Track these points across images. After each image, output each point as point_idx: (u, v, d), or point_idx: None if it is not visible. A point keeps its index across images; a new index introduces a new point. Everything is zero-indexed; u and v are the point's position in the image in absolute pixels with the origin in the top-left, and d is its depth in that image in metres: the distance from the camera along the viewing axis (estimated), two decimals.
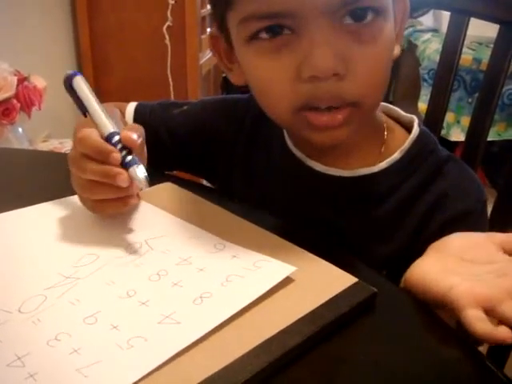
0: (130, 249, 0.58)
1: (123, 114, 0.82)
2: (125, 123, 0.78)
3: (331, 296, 0.50)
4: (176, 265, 0.55)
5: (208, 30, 2.68)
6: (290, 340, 0.45)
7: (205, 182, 0.94)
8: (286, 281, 0.52)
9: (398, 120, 0.76)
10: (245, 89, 0.70)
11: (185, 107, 0.84)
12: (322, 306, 0.49)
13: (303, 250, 0.57)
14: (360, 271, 0.55)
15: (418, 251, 0.65)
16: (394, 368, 0.46)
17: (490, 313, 0.46)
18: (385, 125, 0.73)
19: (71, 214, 0.66)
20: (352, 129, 0.64)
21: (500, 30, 0.90)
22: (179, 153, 0.84)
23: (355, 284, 0.52)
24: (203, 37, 2.52)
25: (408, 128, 0.74)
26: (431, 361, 0.47)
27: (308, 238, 0.62)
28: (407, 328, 0.51)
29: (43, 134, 2.11)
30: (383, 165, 0.70)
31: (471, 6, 0.93)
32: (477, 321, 0.45)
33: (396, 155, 0.71)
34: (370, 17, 0.58)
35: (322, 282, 0.53)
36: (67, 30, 2.38)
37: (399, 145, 0.71)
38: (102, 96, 2.34)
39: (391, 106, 0.77)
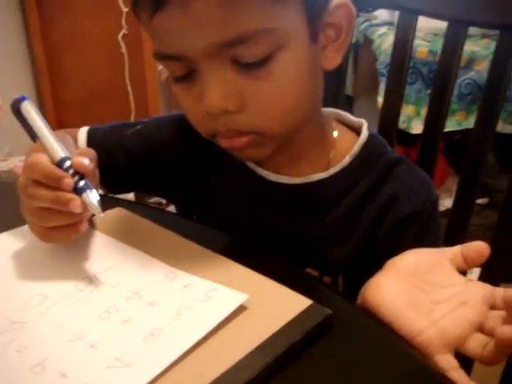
0: (80, 285, 0.56)
1: (75, 139, 0.81)
2: (77, 149, 0.77)
3: (284, 322, 0.49)
4: (126, 299, 0.53)
5: None
6: (241, 375, 0.44)
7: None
8: (238, 309, 0.51)
9: (348, 124, 0.76)
10: None
11: (138, 126, 0.84)
12: (275, 334, 0.47)
13: (256, 273, 0.56)
14: (315, 289, 0.54)
15: (372, 253, 0.69)
16: None
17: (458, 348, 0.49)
18: (334, 131, 0.74)
19: (18, 248, 0.64)
20: (262, 150, 0.66)
21: (449, 26, 0.91)
22: (136, 173, 0.82)
23: (309, 307, 0.51)
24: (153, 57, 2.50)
25: (358, 132, 0.74)
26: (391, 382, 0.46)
27: (262, 258, 0.61)
28: (364, 350, 0.50)
29: (2, 152, 2.08)
30: (333, 170, 0.71)
31: (419, 5, 0.93)
32: (451, 369, 0.47)
33: (346, 160, 0.72)
34: (260, 62, 0.59)
35: (276, 307, 0.51)
36: (21, 43, 2.35)
37: (349, 149, 0.72)
38: (62, 108, 2.31)
39: (340, 111, 0.78)
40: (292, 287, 0.54)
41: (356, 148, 0.72)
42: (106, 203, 0.70)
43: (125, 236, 0.64)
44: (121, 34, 2.32)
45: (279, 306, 0.51)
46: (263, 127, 0.63)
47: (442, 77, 0.93)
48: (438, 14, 0.93)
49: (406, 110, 1.95)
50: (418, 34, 1.97)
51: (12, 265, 0.61)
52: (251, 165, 0.74)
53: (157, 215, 0.70)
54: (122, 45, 2.32)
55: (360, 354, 0.49)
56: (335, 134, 0.74)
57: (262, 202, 0.74)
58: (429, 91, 1.96)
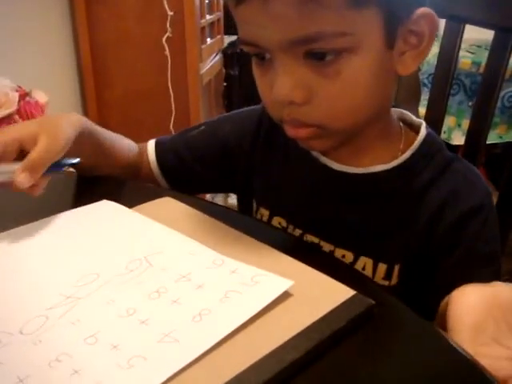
0: (130, 266, 0.58)
1: (144, 150, 0.92)
2: (130, 157, 0.90)
3: (329, 310, 0.50)
4: (175, 281, 0.55)
5: (208, 40, 2.69)
6: (286, 356, 0.45)
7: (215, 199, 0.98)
8: (284, 295, 0.52)
9: (410, 124, 0.79)
10: (245, 98, 0.74)
11: (202, 127, 0.90)
12: (319, 320, 0.49)
13: (301, 263, 0.58)
14: (358, 283, 0.55)
15: (432, 245, 0.72)
16: (391, 382, 0.46)
17: None
18: (401, 129, 0.77)
19: (69, 230, 0.66)
20: (324, 143, 0.70)
21: (495, 35, 0.91)
22: (204, 172, 0.88)
23: (353, 297, 0.52)
24: (203, 47, 2.52)
25: (417, 131, 0.78)
26: (430, 374, 0.47)
27: (307, 251, 0.63)
28: (406, 341, 0.51)
29: None
30: (395, 162, 0.74)
31: (466, 13, 0.93)
32: None
33: (407, 154, 0.75)
34: (330, 57, 0.62)
35: (320, 295, 0.53)
36: (68, 43, 2.40)
37: (410, 146, 0.75)
38: (104, 108, 2.35)
39: (403, 110, 0.81)
40: (336, 279, 0.55)
41: (416, 143, 0.75)
42: (155, 193, 0.74)
43: (172, 223, 0.66)
44: (165, 37, 2.35)
45: (324, 294, 0.53)
46: (326, 122, 0.66)
47: (486, 88, 0.93)
48: (485, 23, 0.94)
49: (447, 121, 1.95)
50: (461, 45, 1.96)
51: (64, 245, 0.63)
52: (314, 153, 0.78)
53: (205, 206, 0.72)
54: (166, 48, 2.35)
55: (401, 344, 0.51)
56: (401, 132, 0.77)
57: (324, 189, 0.78)
58: (470, 103, 1.95)
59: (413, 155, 0.74)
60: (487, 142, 2.03)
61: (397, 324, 0.53)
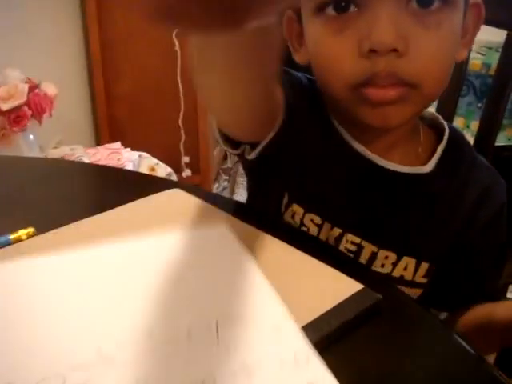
0: (194, 330, 0.43)
1: None
2: None
3: (336, 303, 0.50)
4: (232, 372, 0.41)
5: None
6: None
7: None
8: (292, 287, 0.52)
9: (420, 116, 0.77)
10: None
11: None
12: (327, 312, 0.49)
13: (310, 257, 0.58)
14: (367, 278, 0.55)
15: (469, 241, 0.72)
16: (398, 377, 0.46)
17: None
18: (420, 126, 0.75)
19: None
20: (405, 110, 0.64)
21: (508, 36, 0.90)
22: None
23: (361, 291, 0.52)
24: None
25: (430, 125, 0.76)
26: (437, 369, 0.47)
27: (316, 245, 0.63)
28: (413, 336, 0.51)
29: (54, 140, 2.13)
30: (434, 161, 0.72)
31: None
32: None
33: (439, 151, 0.73)
34: (436, 4, 0.60)
35: (328, 288, 0.53)
36: (78, 37, 2.41)
37: (432, 141, 0.74)
38: (113, 102, 2.36)
39: None
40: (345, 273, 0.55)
41: (445, 138, 0.73)
42: (162, 185, 0.73)
43: (182, 217, 0.65)
44: (175, 32, 2.36)
45: (332, 288, 0.53)
46: (421, 78, 0.62)
47: (496, 89, 0.93)
48: (497, 23, 0.93)
49: (456, 122, 1.94)
50: (473, 46, 1.96)
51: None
52: (355, 144, 0.72)
53: (213, 199, 0.71)
54: (176, 43, 2.36)
55: (408, 339, 0.51)
56: (420, 127, 0.75)
57: (365, 184, 0.73)
58: (480, 104, 1.95)
59: (444, 152, 0.73)
60: (496, 144, 2.02)
61: (404, 319, 0.53)
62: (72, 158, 1.85)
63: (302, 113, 0.73)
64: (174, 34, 2.36)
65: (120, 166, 1.91)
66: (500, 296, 0.78)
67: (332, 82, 0.65)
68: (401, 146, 0.73)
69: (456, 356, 0.49)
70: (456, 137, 0.75)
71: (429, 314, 0.53)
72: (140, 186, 0.75)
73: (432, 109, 2.02)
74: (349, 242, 0.73)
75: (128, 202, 0.68)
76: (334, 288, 0.53)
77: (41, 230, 0.61)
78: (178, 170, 2.45)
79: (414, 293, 0.74)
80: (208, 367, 0.40)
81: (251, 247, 0.58)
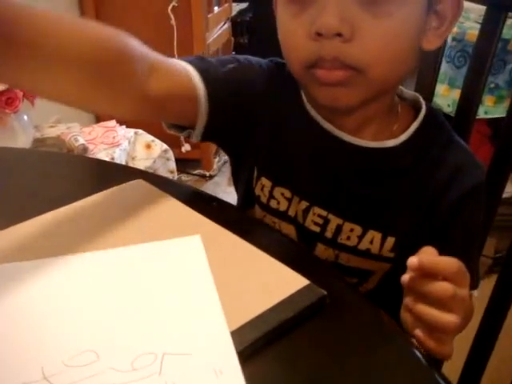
0: (137, 362, 0.44)
1: (179, 66, 0.71)
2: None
3: (278, 300, 0.50)
4: None
5: (215, 8, 2.67)
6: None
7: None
8: (235, 282, 0.53)
9: (400, 95, 0.78)
10: None
11: (231, 66, 0.75)
12: (268, 310, 0.49)
13: (258, 250, 0.58)
14: (315, 270, 0.56)
15: (436, 218, 0.72)
16: (338, 375, 0.46)
17: None
18: (397, 100, 0.76)
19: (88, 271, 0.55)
20: (353, 93, 0.66)
21: (487, 11, 0.89)
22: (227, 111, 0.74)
23: (305, 287, 0.52)
24: (210, 16, 2.50)
25: (411, 104, 0.77)
26: (376, 366, 0.47)
27: (269, 236, 0.63)
28: (356, 333, 0.51)
29: (52, 119, 2.13)
30: (403, 137, 0.73)
31: None
32: None
33: (412, 128, 0.73)
34: None
35: (272, 284, 0.53)
36: (73, 12, 2.39)
37: (409, 119, 0.74)
38: None
39: None
40: (293, 266, 0.55)
41: (420, 116, 0.74)
42: (126, 175, 0.73)
43: (144, 209, 0.65)
44: (170, 7, 2.34)
45: (275, 282, 0.53)
46: (366, 64, 0.63)
47: (476, 64, 0.91)
48: None
49: (452, 94, 1.91)
50: (470, 15, 1.92)
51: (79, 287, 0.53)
52: (322, 121, 0.74)
53: (177, 189, 0.72)
54: (172, 17, 2.34)
55: (351, 336, 0.51)
56: (398, 105, 0.76)
57: (332, 160, 0.75)
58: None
59: (418, 129, 0.73)
60: (495, 116, 2.00)
61: (348, 317, 0.53)
62: (68, 137, 1.85)
63: (269, 95, 0.76)
64: (169, 8, 2.34)
65: (115, 144, 1.91)
66: (477, 281, 0.76)
67: (290, 60, 0.69)
68: (374, 124, 0.74)
69: (400, 356, 0.49)
70: (433, 117, 0.75)
71: (377, 310, 0.53)
72: (102, 174, 0.74)
73: (442, 84, 1.99)
74: (316, 215, 0.75)
75: (92, 192, 0.69)
76: (278, 284, 0.53)
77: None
78: (176, 144, 2.45)
79: (383, 267, 0.75)
80: None
81: (197, 233, 0.59)
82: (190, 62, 0.72)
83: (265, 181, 0.77)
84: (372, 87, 0.66)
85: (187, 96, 0.70)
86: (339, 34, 0.61)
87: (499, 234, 1.25)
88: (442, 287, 0.53)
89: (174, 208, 0.66)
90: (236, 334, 0.47)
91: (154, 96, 0.65)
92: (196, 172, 2.66)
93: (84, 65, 0.57)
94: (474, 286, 0.74)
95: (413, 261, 0.53)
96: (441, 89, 2.03)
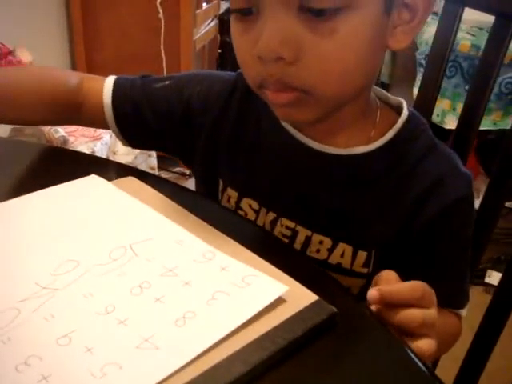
0: (114, 254, 0.54)
1: (99, 86, 0.80)
2: (59, 92, 0.79)
3: (287, 316, 0.46)
4: (160, 275, 0.51)
5: (204, 4, 2.62)
6: (234, 368, 0.42)
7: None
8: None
9: (386, 102, 0.74)
10: (239, 66, 0.67)
11: (167, 82, 0.80)
12: (275, 328, 0.45)
13: (263, 261, 0.54)
14: (325, 284, 0.52)
15: (414, 233, 0.68)
16: None
17: None
18: (378, 106, 0.72)
19: (48, 209, 0.61)
20: (306, 112, 0.63)
21: (495, 21, 0.86)
22: (160, 128, 0.80)
23: (314, 303, 0.48)
24: (198, 11, 2.46)
25: (397, 111, 0.73)
26: None
27: (275, 246, 0.60)
28: (366, 353, 0.48)
29: None
30: (377, 143, 0.69)
31: None
32: None
33: (389, 134, 0.69)
34: (329, 13, 0.56)
35: (280, 299, 0.48)
36: (58, 2, 2.33)
37: (390, 125, 0.70)
38: (94, 70, 2.29)
39: (379, 88, 0.75)
40: (301, 281, 0.51)
41: (399, 123, 0.70)
42: (116, 172, 0.70)
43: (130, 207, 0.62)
44: (159, 0, 2.29)
45: (284, 298, 0.49)
46: (313, 86, 0.60)
47: (483, 74, 0.89)
48: (484, 7, 0.89)
49: (441, 104, 1.90)
50: (462, 26, 1.90)
51: (42, 226, 0.58)
52: (291, 130, 0.71)
53: (170, 188, 0.69)
54: (160, 10, 2.29)
55: (361, 356, 0.47)
56: (378, 110, 0.72)
57: (301, 170, 0.72)
58: (467, 87, 1.91)
59: (396, 136, 0.69)
60: (482, 128, 1.99)
61: (359, 336, 0.49)
62: (47, 128, 1.80)
63: (224, 107, 0.77)
64: (158, 2, 2.30)
65: (96, 138, 1.86)
66: (463, 300, 0.72)
67: (244, 77, 0.66)
68: (347, 130, 0.70)
69: (409, 375, 0.46)
70: (414, 124, 0.71)
71: (386, 330, 0.49)
72: (92, 171, 0.70)
73: (416, 89, 1.98)
74: (284, 227, 0.72)
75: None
76: (286, 298, 0.49)
77: None
78: None
79: (356, 283, 0.71)
80: (138, 276, 0.51)
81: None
82: (117, 80, 0.80)
83: (231, 192, 0.76)
84: (325, 104, 0.63)
85: (97, 106, 0.79)
86: (281, 58, 0.57)
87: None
88: (410, 316, 0.51)
89: (165, 206, 0.63)
90: (241, 354, 0.43)
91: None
92: (176, 170, 2.62)
93: (45, 105, 0.78)
94: (461, 305, 0.72)
95: (373, 294, 0.51)
96: None
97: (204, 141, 0.78)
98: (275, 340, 0.44)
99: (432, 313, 0.53)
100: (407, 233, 0.69)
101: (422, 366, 0.46)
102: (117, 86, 0.79)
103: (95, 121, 0.81)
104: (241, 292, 0.49)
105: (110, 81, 0.80)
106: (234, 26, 0.63)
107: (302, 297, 0.49)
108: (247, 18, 0.60)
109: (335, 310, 0.48)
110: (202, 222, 0.60)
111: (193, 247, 0.55)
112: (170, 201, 0.64)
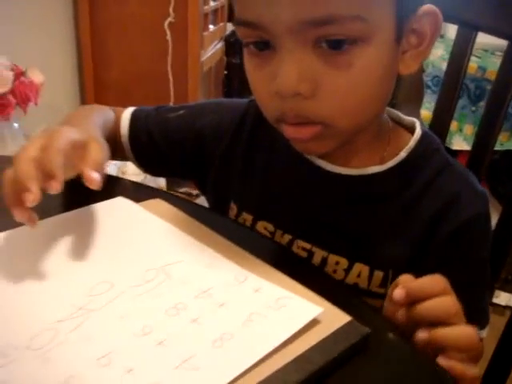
0: (147, 276, 0.55)
1: (119, 118, 0.84)
2: (110, 128, 0.80)
3: (321, 338, 0.47)
4: (195, 297, 0.52)
5: (210, 27, 2.65)
6: None
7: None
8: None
9: (399, 122, 0.76)
10: (245, 87, 0.69)
11: (181, 111, 0.84)
12: (310, 349, 0.46)
13: (294, 281, 0.55)
14: (354, 305, 0.53)
15: (431, 253, 0.68)
16: None
17: None
18: (390, 126, 0.73)
19: (81, 231, 0.62)
20: (325, 144, 0.65)
21: (509, 45, 0.87)
22: (173, 156, 0.83)
23: (348, 323, 0.49)
24: (205, 34, 2.49)
25: (410, 130, 0.74)
26: None
27: (296, 263, 0.62)
28: (400, 370, 0.49)
29: (40, 128, 2.08)
30: (391, 163, 0.70)
31: (479, 20, 0.90)
32: None
33: (402, 154, 0.70)
34: (346, 45, 0.57)
35: (313, 320, 0.49)
36: (68, 23, 2.35)
37: (403, 145, 0.71)
38: (101, 90, 2.31)
39: (392, 109, 0.76)
40: (332, 301, 0.52)
41: (411, 143, 0.71)
42: (140, 192, 0.72)
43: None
44: (167, 22, 2.31)
45: (318, 319, 0.49)
46: (332, 119, 0.61)
47: (496, 96, 0.90)
48: (498, 32, 0.91)
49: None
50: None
51: (80, 245, 0.59)
52: (310, 157, 0.73)
53: (196, 210, 0.69)
54: (168, 32, 2.31)
55: (393, 375, 0.48)
56: (390, 129, 0.73)
57: (315, 192, 0.73)
58: (474, 108, 1.92)
59: (409, 155, 0.70)
60: None
61: (392, 357, 0.50)
62: None
63: (236, 134, 0.79)
64: (166, 24, 2.32)
65: None
66: (482, 320, 0.72)
67: (261, 110, 0.67)
68: (362, 152, 0.71)
69: None
70: (427, 142, 0.72)
71: (417, 350, 0.50)
72: (122, 193, 0.71)
73: (427, 111, 2.00)
74: (300, 248, 0.72)
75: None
76: (320, 320, 0.49)
77: None
78: None
79: (374, 304, 0.70)
80: (173, 297, 0.52)
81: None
82: (134, 111, 0.85)
83: (246, 215, 0.77)
84: (344, 134, 0.65)
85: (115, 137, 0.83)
86: (299, 93, 0.58)
87: None
88: (444, 301, 0.52)
89: (192, 228, 0.64)
90: (280, 374, 0.43)
91: None
92: (182, 190, 2.63)
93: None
94: (482, 325, 0.71)
95: (398, 292, 0.51)
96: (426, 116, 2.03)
97: (217, 167, 0.80)
98: (312, 360, 0.45)
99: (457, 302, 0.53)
100: (423, 252, 0.69)
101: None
102: (133, 116, 0.84)
103: (116, 151, 0.83)
104: (276, 314, 0.50)
105: (127, 112, 0.84)
106: (249, 61, 0.63)
107: (335, 317, 0.50)
108: (262, 54, 0.60)
109: (368, 330, 0.49)
110: (232, 244, 0.61)
111: (224, 269, 0.56)
112: (198, 223, 0.65)
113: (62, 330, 0.47)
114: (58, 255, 0.57)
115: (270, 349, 0.45)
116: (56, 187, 0.53)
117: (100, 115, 0.80)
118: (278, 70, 0.58)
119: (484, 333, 0.72)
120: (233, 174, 0.79)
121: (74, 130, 0.62)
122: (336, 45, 0.57)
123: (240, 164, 0.78)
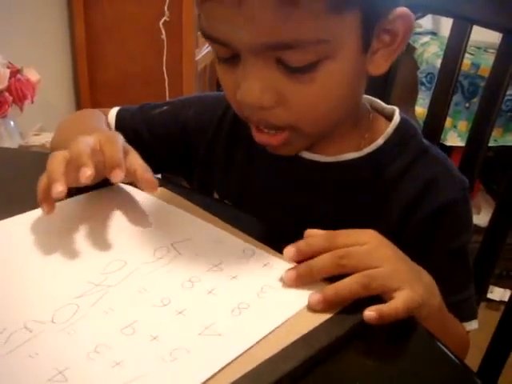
0: (157, 254, 0.56)
1: (107, 117, 0.85)
2: (108, 127, 0.82)
3: (326, 318, 0.48)
4: (207, 271, 0.54)
5: None
6: (283, 365, 0.43)
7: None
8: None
9: (380, 111, 0.76)
10: None
11: (165, 107, 0.85)
12: (316, 328, 0.47)
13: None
14: None
15: (405, 238, 0.67)
16: None
17: None
18: (371, 115, 0.74)
19: (89, 214, 0.63)
20: (294, 146, 0.68)
21: (503, 38, 0.89)
22: (160, 151, 0.84)
23: (352, 304, 0.50)
24: (199, 33, 2.49)
25: (389, 119, 0.74)
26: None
27: None
28: (402, 350, 0.51)
29: (35, 127, 2.08)
30: (367, 150, 0.71)
31: (474, 14, 0.91)
32: None
33: (379, 141, 0.71)
34: (307, 68, 0.59)
35: None
36: (63, 22, 2.36)
37: (381, 133, 0.72)
38: (96, 89, 2.31)
39: (373, 98, 0.77)
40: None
41: (389, 129, 0.71)
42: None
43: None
44: (162, 21, 2.32)
45: None
46: (298, 125, 0.63)
47: (490, 92, 0.91)
48: (493, 25, 0.92)
49: None
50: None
51: (87, 230, 0.60)
52: None
53: (194, 197, 0.69)
54: (163, 31, 2.32)
55: (398, 356, 0.50)
56: (370, 118, 0.74)
57: (291, 178, 0.74)
58: (467, 104, 1.94)
59: (386, 142, 0.71)
60: None
61: (393, 332, 0.51)
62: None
63: (217, 128, 0.81)
64: (160, 23, 2.33)
65: None
66: (464, 311, 0.70)
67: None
68: (338, 141, 0.72)
69: (452, 377, 0.48)
70: (405, 129, 0.73)
71: (417, 328, 0.51)
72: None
73: (417, 107, 2.00)
74: None
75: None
76: None
77: None
78: None
79: None
80: (186, 271, 0.53)
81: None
82: (119, 111, 0.85)
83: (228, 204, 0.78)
84: (313, 136, 0.67)
85: None
86: (262, 106, 0.60)
87: None
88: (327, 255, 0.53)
89: (201, 216, 0.64)
90: (289, 351, 0.45)
91: None
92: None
93: None
94: (466, 317, 0.71)
95: (288, 249, 0.54)
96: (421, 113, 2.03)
97: (201, 158, 0.82)
98: (320, 338, 0.46)
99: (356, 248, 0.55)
100: (400, 236, 0.69)
101: (456, 360, 0.49)
102: (119, 116, 0.85)
103: None
104: (286, 287, 0.52)
105: (113, 113, 0.85)
106: (218, 64, 0.65)
107: None
108: (230, 61, 0.62)
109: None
110: (235, 229, 0.61)
111: (232, 245, 0.58)
112: (202, 210, 0.65)
113: (83, 304, 0.49)
114: (70, 237, 0.59)
115: (284, 319, 0.47)
116: (120, 175, 0.58)
117: (101, 120, 0.83)
118: (242, 79, 0.60)
119: (470, 326, 0.71)
120: (216, 163, 0.81)
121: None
122: (296, 70, 0.59)
123: (222, 154, 0.80)
